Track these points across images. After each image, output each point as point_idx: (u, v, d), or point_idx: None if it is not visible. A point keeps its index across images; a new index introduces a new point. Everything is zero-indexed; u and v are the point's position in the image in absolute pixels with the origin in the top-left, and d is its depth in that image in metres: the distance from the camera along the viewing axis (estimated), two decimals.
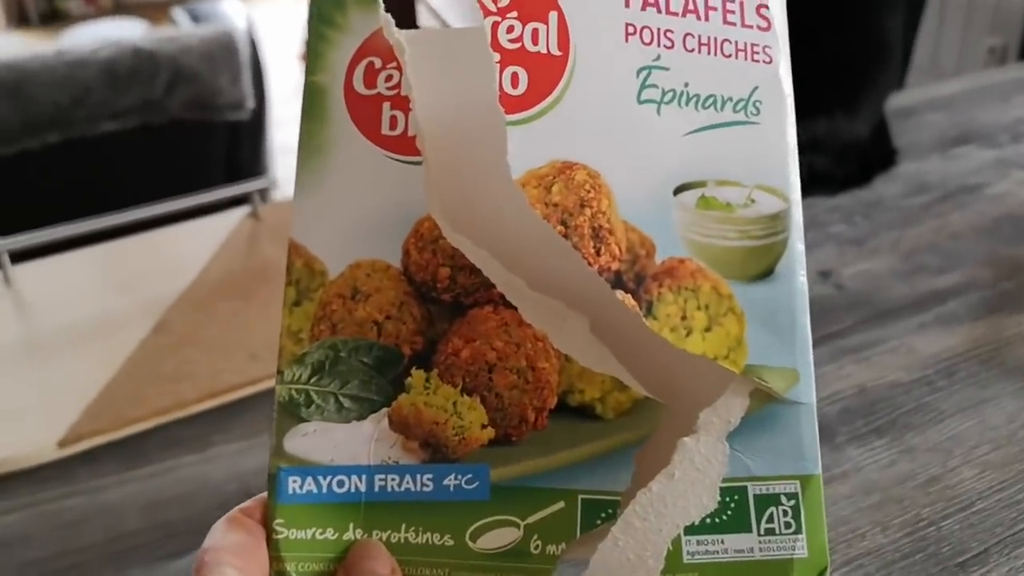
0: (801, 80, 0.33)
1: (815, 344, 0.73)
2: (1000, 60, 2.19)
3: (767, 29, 0.30)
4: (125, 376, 0.67)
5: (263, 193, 0.92)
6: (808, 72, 0.84)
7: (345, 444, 0.28)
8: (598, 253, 0.27)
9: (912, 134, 1.04)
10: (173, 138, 2.20)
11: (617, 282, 0.27)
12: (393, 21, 0.27)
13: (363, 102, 0.28)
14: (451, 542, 0.28)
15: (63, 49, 1.75)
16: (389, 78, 0.28)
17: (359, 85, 0.28)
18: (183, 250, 0.84)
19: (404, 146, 0.27)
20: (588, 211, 0.27)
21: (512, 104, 0.26)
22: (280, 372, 0.29)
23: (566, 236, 0.27)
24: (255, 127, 2.45)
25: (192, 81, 1.92)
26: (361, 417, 0.28)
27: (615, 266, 0.27)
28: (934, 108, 1.10)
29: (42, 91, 1.77)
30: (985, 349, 0.72)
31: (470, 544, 0.28)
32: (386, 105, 0.28)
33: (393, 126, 0.28)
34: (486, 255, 0.27)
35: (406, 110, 0.28)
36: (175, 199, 0.84)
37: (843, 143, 0.93)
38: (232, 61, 1.93)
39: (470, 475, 0.28)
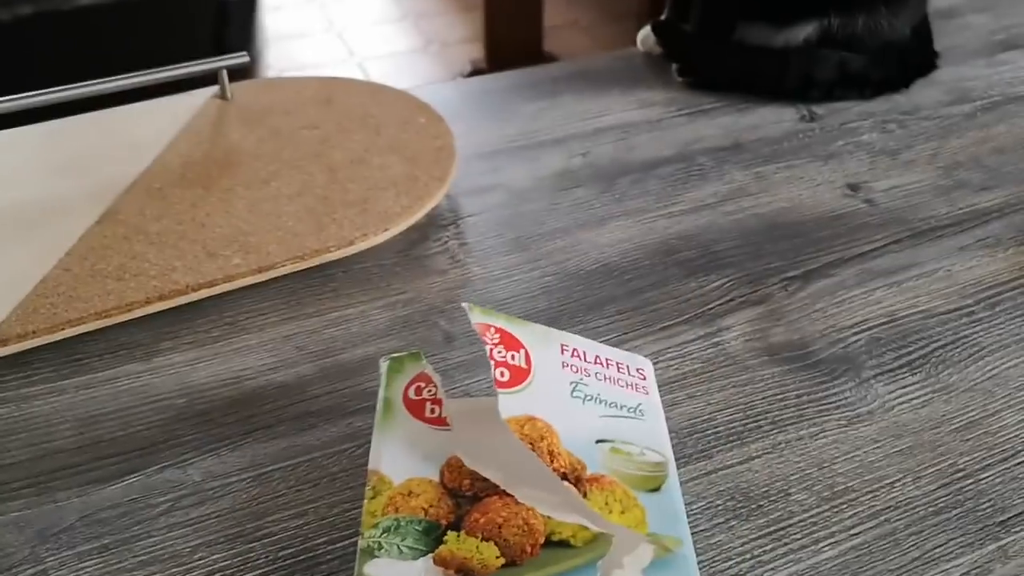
0: None
1: (842, 263, 0.66)
2: None
3: (644, 380, 0.51)
4: (63, 271, 0.60)
5: (242, 72, 0.82)
6: None
7: (404, 573, 0.41)
8: (552, 462, 0.44)
9: (953, 36, 0.94)
10: (155, 15, 2.07)
11: (563, 479, 0.44)
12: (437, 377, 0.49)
13: (414, 403, 0.48)
14: None
15: None
16: (429, 391, 0.49)
17: (412, 394, 0.49)
18: (139, 131, 0.75)
19: (438, 422, 0.47)
20: (545, 442, 0.45)
21: (502, 385, 0.46)
22: (362, 533, 0.43)
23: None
24: (245, 8, 2.32)
25: None
26: (415, 559, 0.42)
27: (562, 470, 0.45)
28: (977, 9, 1.00)
29: None
30: None
31: None
32: (427, 404, 0.48)
33: (432, 413, 0.48)
34: (492, 472, 0.45)
35: (439, 404, 0.48)
36: (133, 76, 0.74)
37: (882, 42, 0.84)
38: None
39: None
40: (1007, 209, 0.71)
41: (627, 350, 0.53)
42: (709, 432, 0.53)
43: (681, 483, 0.48)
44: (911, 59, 0.87)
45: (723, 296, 0.63)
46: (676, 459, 0.49)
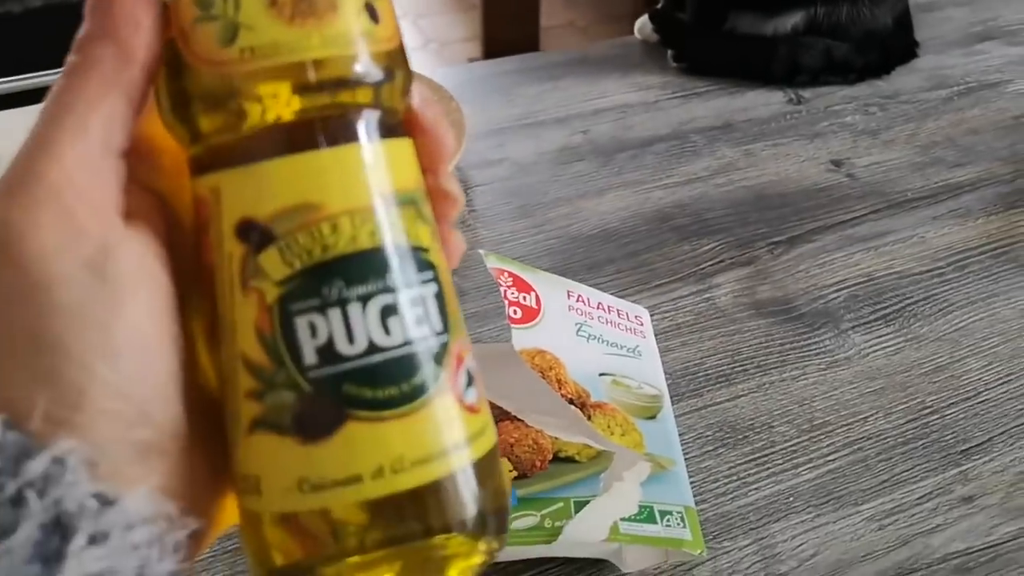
0: None
1: (824, 230, 0.71)
2: None
3: (641, 326, 0.57)
4: None
5: None
6: None
7: None
8: (560, 389, 0.50)
9: (933, 28, 1.00)
10: None
11: (570, 403, 0.50)
12: None
13: None
14: None
15: None
16: None
17: None
18: None
19: None
20: (553, 371, 0.50)
21: (515, 321, 0.51)
22: None
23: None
24: None
25: None
26: None
27: (569, 396, 0.50)
28: (957, 3, 1.06)
29: None
30: (998, 244, 0.69)
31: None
32: None
33: None
34: (504, 401, 0.48)
35: None
36: None
37: (865, 30, 0.89)
38: None
39: None
40: (978, 184, 0.76)
41: None
42: (700, 374, 0.58)
43: (674, 417, 0.54)
44: (893, 47, 0.92)
45: (714, 258, 0.68)
46: (670, 397, 0.54)
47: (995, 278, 0.66)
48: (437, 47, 2.92)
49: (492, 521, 0.25)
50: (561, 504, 0.47)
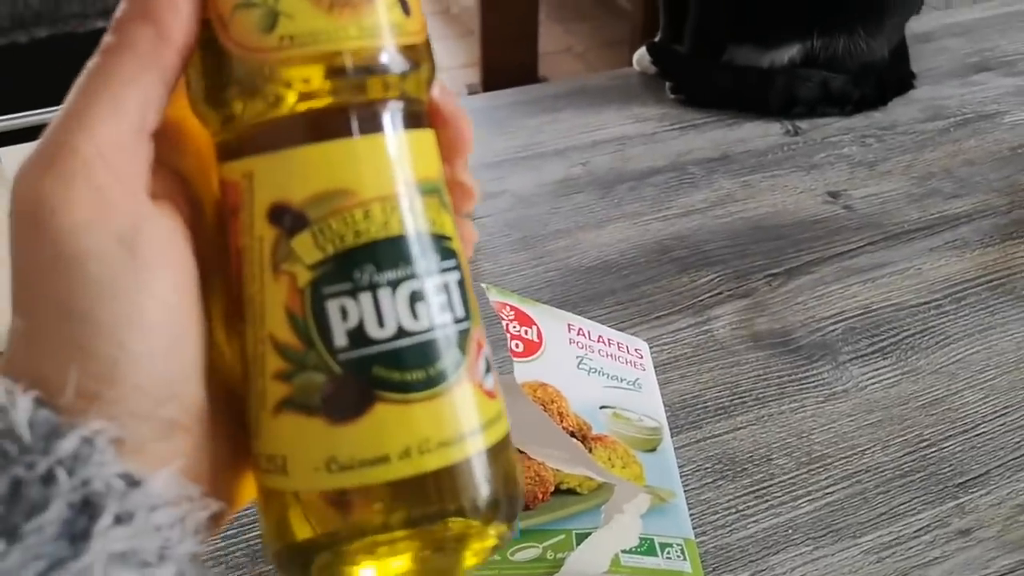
0: None
1: (822, 262, 0.72)
2: None
3: (641, 359, 0.58)
4: None
5: None
6: None
7: None
8: (561, 422, 0.50)
9: (930, 59, 1.01)
10: None
11: (571, 436, 0.50)
12: None
13: None
14: (498, 558, 0.46)
15: None
16: None
17: None
18: None
19: None
20: (555, 404, 0.51)
21: (517, 355, 0.51)
22: None
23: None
24: None
25: None
26: None
27: (570, 429, 0.51)
28: (954, 34, 1.07)
29: None
30: (995, 276, 0.70)
31: (510, 557, 0.46)
32: None
33: None
34: None
35: None
36: None
37: (862, 63, 0.90)
38: None
39: None
40: (975, 215, 0.77)
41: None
42: (699, 407, 0.58)
43: (674, 449, 0.54)
44: (889, 79, 0.93)
45: (712, 290, 0.68)
46: (670, 429, 0.55)
47: (992, 310, 0.66)
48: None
49: (505, 504, 0.26)
50: (563, 536, 0.47)
